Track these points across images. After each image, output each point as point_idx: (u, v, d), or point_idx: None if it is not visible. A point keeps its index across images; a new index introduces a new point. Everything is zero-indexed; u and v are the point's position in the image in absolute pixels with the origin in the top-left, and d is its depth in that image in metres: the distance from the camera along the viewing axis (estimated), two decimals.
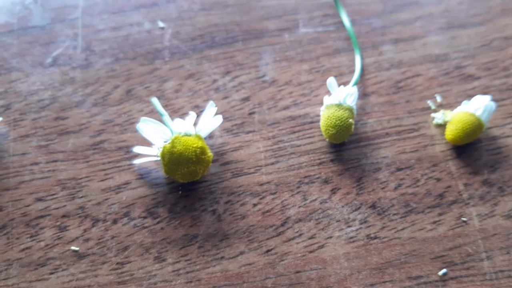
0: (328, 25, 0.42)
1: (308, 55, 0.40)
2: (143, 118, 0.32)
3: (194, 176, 0.32)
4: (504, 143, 0.35)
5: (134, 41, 0.40)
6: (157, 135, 0.32)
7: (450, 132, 0.34)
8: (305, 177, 0.34)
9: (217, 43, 0.40)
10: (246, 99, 0.37)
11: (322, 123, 0.34)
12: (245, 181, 0.34)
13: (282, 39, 0.41)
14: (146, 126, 0.32)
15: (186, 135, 0.32)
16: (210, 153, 0.33)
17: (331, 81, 0.35)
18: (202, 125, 0.33)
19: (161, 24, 0.41)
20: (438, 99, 0.37)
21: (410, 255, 0.31)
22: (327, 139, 0.35)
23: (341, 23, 0.42)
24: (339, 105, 0.34)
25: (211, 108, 0.33)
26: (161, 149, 0.32)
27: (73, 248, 0.31)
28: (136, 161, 0.33)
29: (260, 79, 0.38)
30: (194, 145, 0.31)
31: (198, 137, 0.32)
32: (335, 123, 0.34)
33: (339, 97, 0.35)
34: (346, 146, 0.35)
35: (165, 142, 0.32)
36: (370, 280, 0.30)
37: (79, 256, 0.31)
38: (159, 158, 0.32)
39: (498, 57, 0.40)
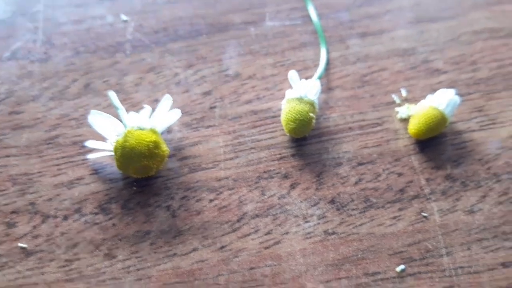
0: (295, 18, 0.41)
1: (273, 49, 0.39)
2: (93, 111, 0.31)
3: (148, 171, 0.31)
4: (469, 138, 0.35)
5: (95, 34, 0.39)
6: (109, 129, 0.31)
7: (413, 126, 0.34)
8: (265, 172, 0.33)
9: (180, 36, 0.40)
10: (207, 93, 0.37)
11: (283, 117, 0.34)
12: (202, 176, 0.33)
13: (247, 33, 0.40)
14: (97, 120, 0.31)
15: (140, 129, 0.31)
16: (165, 148, 0.32)
17: (293, 74, 0.34)
18: (157, 118, 0.32)
19: (124, 17, 0.40)
20: (403, 93, 0.37)
21: (368, 251, 0.30)
22: (287, 133, 0.34)
23: (308, 16, 0.41)
24: (300, 99, 0.34)
25: (166, 101, 0.32)
26: (114, 144, 0.31)
27: (21, 245, 0.30)
28: (90, 156, 0.33)
29: (223, 73, 0.38)
30: (147, 139, 0.30)
31: (153, 131, 0.31)
32: (295, 117, 0.33)
33: (300, 91, 0.34)
34: (307, 141, 0.34)
35: (117, 136, 0.31)
36: (325, 277, 0.29)
37: (27, 253, 0.30)
38: (112, 153, 0.31)
39: (466, 52, 0.39)
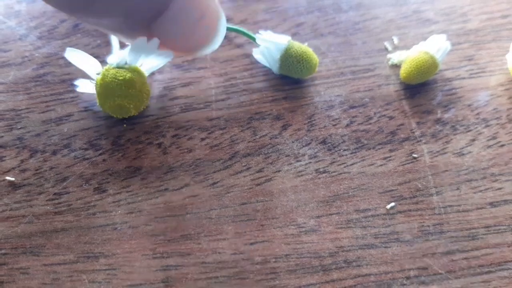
0: None
1: None
2: (68, 48, 0.30)
3: (125, 111, 0.30)
4: (459, 85, 0.35)
5: None
6: (87, 67, 0.30)
7: (404, 71, 0.34)
8: (256, 113, 0.33)
9: None
10: None
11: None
12: (194, 116, 0.33)
13: None
14: (73, 57, 0.30)
15: (118, 67, 0.30)
16: (145, 88, 0.31)
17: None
18: (143, 58, 0.31)
19: None
20: (395, 40, 0.37)
21: (358, 189, 0.30)
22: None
23: None
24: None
25: (154, 42, 0.31)
26: (94, 82, 0.30)
27: (8, 178, 0.29)
28: (79, 89, 0.32)
29: None
30: (120, 78, 0.29)
31: (132, 69, 0.30)
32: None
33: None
34: (299, 84, 0.34)
35: (97, 74, 0.30)
36: (316, 212, 0.29)
37: (14, 186, 0.29)
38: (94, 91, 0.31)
39: (457, 3, 0.39)
